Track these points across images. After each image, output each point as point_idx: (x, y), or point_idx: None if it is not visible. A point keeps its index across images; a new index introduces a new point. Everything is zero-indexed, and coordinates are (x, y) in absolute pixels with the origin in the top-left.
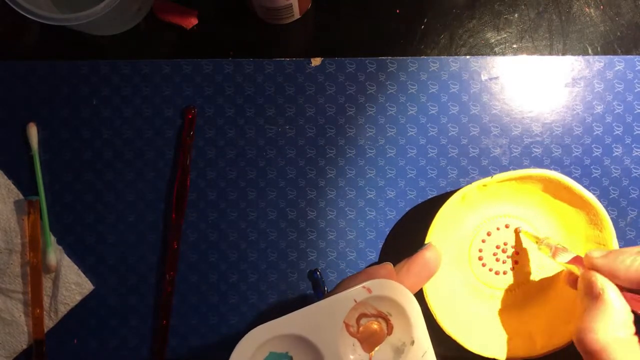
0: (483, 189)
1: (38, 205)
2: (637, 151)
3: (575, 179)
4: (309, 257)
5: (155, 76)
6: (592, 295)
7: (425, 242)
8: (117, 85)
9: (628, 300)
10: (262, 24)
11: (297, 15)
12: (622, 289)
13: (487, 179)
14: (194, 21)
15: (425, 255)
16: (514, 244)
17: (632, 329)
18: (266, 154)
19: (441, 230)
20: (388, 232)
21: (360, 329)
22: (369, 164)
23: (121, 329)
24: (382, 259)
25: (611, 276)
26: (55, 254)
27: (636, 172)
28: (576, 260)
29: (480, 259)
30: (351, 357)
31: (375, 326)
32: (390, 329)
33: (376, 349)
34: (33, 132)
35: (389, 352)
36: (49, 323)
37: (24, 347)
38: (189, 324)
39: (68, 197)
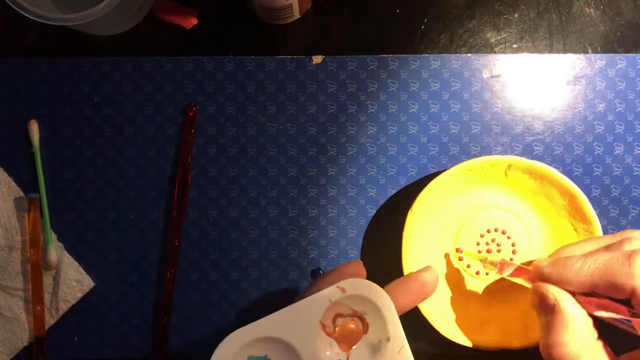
0: (465, 176)
1: (38, 202)
2: (638, 149)
3: (576, 177)
4: (309, 254)
5: (157, 74)
6: (548, 308)
7: (405, 229)
8: (118, 82)
9: (582, 304)
10: (262, 24)
11: (297, 15)
12: (575, 294)
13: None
14: (193, 21)
15: (424, 276)
16: (495, 231)
17: (595, 332)
18: (267, 152)
19: (422, 219)
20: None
21: (337, 329)
22: (370, 162)
23: (122, 326)
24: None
25: (562, 283)
26: (56, 251)
27: (637, 171)
28: (521, 271)
29: (461, 249)
30: (329, 355)
31: (351, 325)
32: (366, 327)
33: (354, 347)
34: (34, 129)
35: (365, 350)
36: (49, 320)
37: (25, 344)
38: (189, 321)
39: (69, 194)
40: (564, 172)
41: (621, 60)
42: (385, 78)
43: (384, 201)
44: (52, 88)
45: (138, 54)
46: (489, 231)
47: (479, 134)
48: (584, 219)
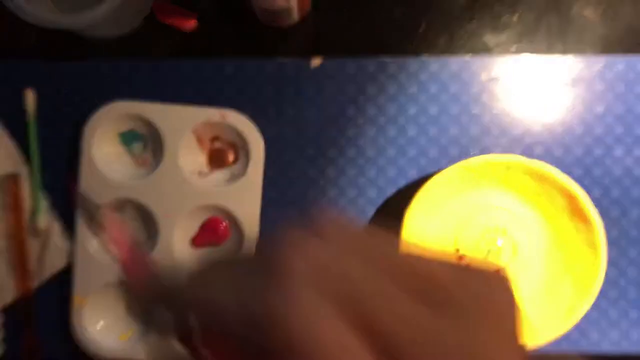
0: (465, 176)
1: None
2: (638, 151)
3: (576, 178)
4: None
5: (156, 76)
6: None
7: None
8: (117, 86)
9: None
10: (261, 26)
11: (296, 18)
12: None
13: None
14: (193, 23)
15: None
16: (496, 232)
17: None
18: (266, 153)
19: (421, 219)
20: None
21: (212, 147)
22: (369, 164)
23: None
24: None
25: None
26: (46, 218)
27: (637, 171)
28: None
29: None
30: (191, 159)
31: (226, 152)
32: (236, 159)
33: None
34: (30, 98)
35: (225, 176)
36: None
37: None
38: None
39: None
40: (564, 173)
41: (620, 62)
42: (384, 80)
43: (383, 202)
44: (52, 90)
45: (137, 57)
46: (489, 232)
47: (478, 136)
48: (584, 219)
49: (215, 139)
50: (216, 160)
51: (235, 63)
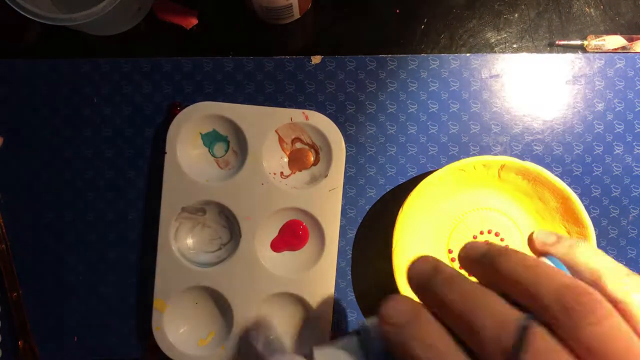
0: (458, 177)
1: None
2: (638, 149)
3: (576, 177)
4: None
5: (156, 74)
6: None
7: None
8: (117, 83)
9: None
10: (262, 24)
11: (297, 15)
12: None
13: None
14: (193, 21)
15: None
16: (489, 233)
17: None
18: None
19: (414, 219)
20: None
21: (293, 148)
22: (369, 162)
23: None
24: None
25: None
26: None
27: (637, 170)
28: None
29: (454, 250)
30: (273, 163)
31: (307, 153)
32: (317, 161)
33: (298, 171)
34: None
35: (306, 177)
36: None
37: None
38: None
39: (68, 193)
40: (564, 172)
41: (620, 60)
42: (384, 78)
43: (382, 201)
44: (51, 88)
45: (138, 55)
46: (482, 233)
47: (478, 133)
48: (577, 222)
49: (296, 140)
50: (297, 161)
51: (235, 61)
